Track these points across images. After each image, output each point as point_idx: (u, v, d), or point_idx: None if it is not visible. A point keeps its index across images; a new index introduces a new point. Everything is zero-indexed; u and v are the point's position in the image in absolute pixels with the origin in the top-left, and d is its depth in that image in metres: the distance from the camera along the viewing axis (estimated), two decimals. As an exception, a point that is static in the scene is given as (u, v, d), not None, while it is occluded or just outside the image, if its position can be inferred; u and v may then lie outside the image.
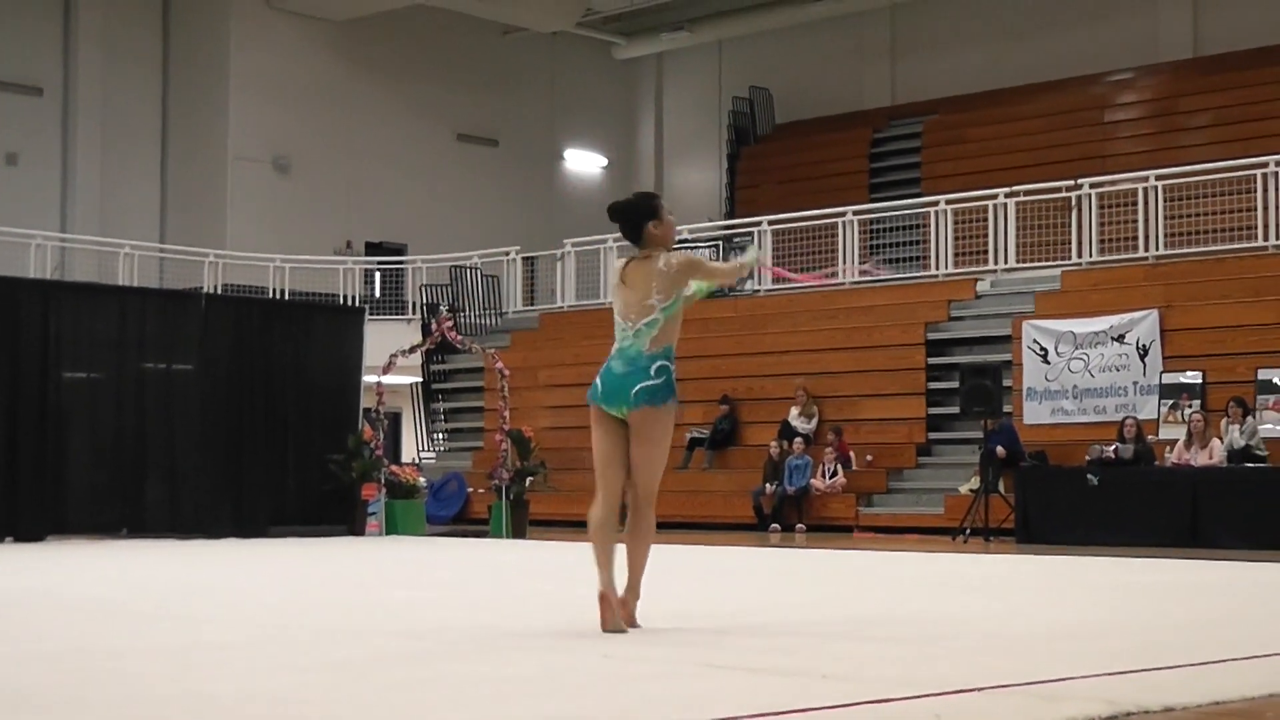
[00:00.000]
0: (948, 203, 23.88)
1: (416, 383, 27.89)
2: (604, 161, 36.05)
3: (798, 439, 21.64)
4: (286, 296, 26.53)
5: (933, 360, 22.03)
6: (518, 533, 19.61)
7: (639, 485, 6.88)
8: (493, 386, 22.74)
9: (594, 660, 5.80)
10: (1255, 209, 21.08)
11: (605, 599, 6.75)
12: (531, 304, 28.67)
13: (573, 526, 21.89)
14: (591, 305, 27.37)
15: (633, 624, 6.89)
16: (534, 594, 9.90)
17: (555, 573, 12.38)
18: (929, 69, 31.34)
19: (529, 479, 20.14)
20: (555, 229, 30.61)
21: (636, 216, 7.05)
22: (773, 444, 21.69)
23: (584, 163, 35.84)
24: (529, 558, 14.80)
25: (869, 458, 21.58)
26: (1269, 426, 18.48)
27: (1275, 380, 18.88)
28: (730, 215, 31.26)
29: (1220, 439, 17.91)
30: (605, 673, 5.44)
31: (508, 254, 28.65)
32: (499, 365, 20.89)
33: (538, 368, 25.60)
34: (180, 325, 18.95)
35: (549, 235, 29.94)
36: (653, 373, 6.72)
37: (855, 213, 24.89)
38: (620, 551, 6.89)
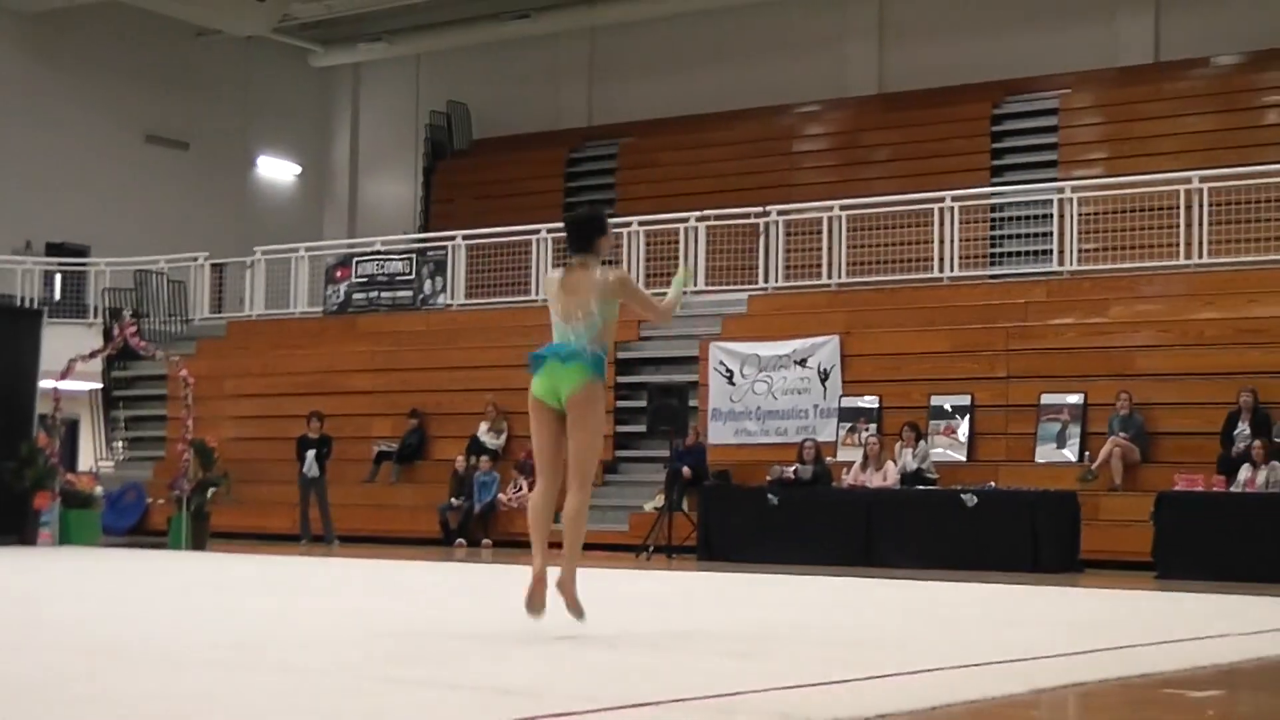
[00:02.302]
0: (640, 224, 24.18)
1: (96, 389, 27.00)
2: (297, 169, 35.50)
3: (485, 455, 21.62)
4: (-41, 296, 25.41)
5: (622, 379, 22.26)
6: (198, 544, 19.15)
7: (572, 468, 7.52)
8: (176, 395, 22.18)
9: (270, 675, 5.68)
10: (932, 242, 21.89)
11: (537, 581, 7.36)
12: (219, 312, 28.05)
13: (255, 539, 21.47)
14: (281, 314, 26.91)
15: (576, 609, 7.46)
16: (209, 607, 9.65)
17: (232, 585, 12.10)
18: (626, 92, 31.69)
19: (211, 490, 19.69)
20: (246, 236, 30.01)
21: (593, 230, 7.78)
22: (459, 458, 21.64)
23: (277, 170, 35.23)
24: (207, 570, 14.44)
25: (556, 474, 21.66)
26: (940, 450, 19.19)
27: (946, 406, 19.60)
28: (424, 229, 31.09)
29: (894, 461, 18.52)
30: (280, 687, 5.33)
31: (196, 260, 27.97)
32: (183, 373, 20.39)
33: (224, 377, 25.04)
34: None
35: (239, 242, 29.35)
36: (589, 356, 7.52)
37: (549, 230, 25.02)
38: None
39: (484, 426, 22.38)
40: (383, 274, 25.93)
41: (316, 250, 27.64)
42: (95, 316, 27.50)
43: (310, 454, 21.43)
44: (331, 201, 35.69)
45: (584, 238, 7.75)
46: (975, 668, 6.41)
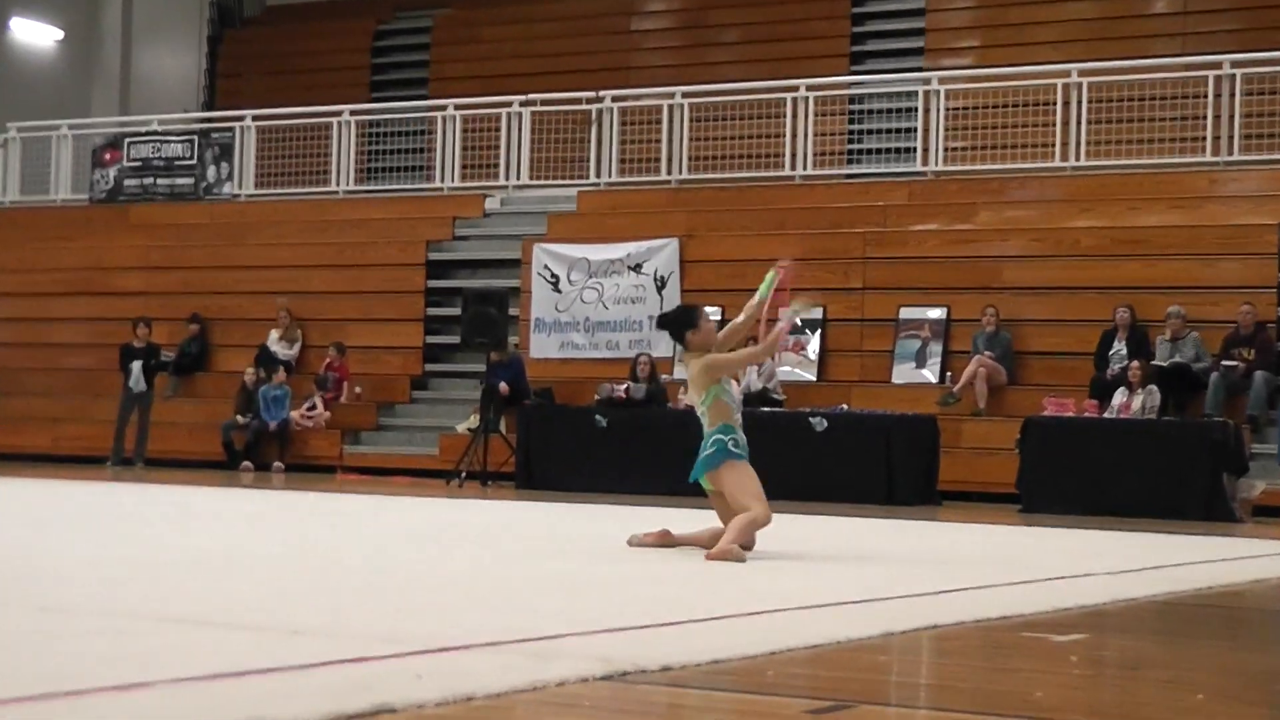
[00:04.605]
0: (457, 108, 24.01)
1: None
2: (59, 34, 34.61)
3: (277, 367, 21.45)
4: None
5: (433, 284, 22.19)
6: (-58, 465, 18.80)
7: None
8: (-84, 293, 21.67)
9: (29, 615, 5.62)
10: (784, 136, 22.00)
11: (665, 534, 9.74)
12: (-31, 199, 27.39)
13: (8, 459, 21.08)
14: (40, 202, 26.35)
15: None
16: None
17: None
18: (442, -44, 31.32)
19: (-41, 403, 19.34)
20: (-1, 111, 29.26)
21: (679, 327, 9.37)
22: (248, 371, 21.43)
23: (35, 34, 34.31)
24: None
25: (358, 390, 21.59)
26: (787, 369, 19.41)
27: (796, 320, 19.80)
28: (209, 107, 30.60)
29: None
30: (36, 630, 5.27)
31: (-60, 137, 27.25)
32: (-75, 268, 19.92)
33: (-26, 273, 24.54)
34: None
35: (-9, 118, 28.60)
36: (709, 445, 9.57)
37: (353, 113, 24.76)
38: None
39: (275, 335, 22.18)
40: (159, 158, 25.49)
41: (82, 129, 27.05)
42: None
43: (136, 365, 21.19)
44: (100, 73, 34.84)
45: (676, 335, 9.46)
46: (820, 608, 6.52)
